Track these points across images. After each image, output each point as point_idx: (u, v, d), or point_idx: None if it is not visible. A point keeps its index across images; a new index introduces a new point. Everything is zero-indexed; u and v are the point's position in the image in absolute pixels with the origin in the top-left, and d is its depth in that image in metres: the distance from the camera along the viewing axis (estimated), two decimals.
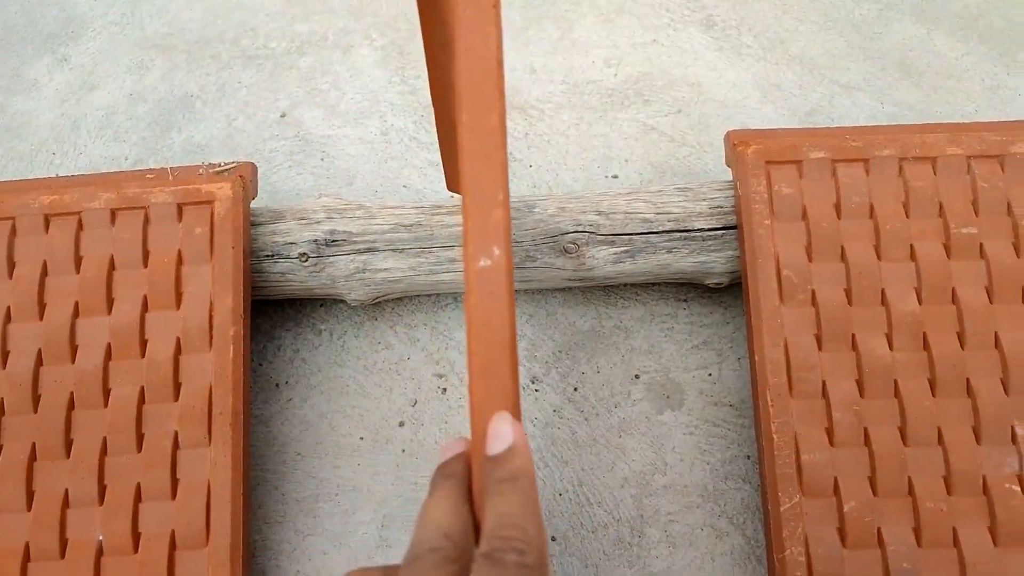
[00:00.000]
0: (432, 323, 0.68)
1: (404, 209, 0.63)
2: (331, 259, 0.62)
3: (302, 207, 0.64)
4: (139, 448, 0.55)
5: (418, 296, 0.69)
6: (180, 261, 0.58)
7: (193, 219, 0.58)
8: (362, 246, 0.62)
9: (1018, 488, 0.52)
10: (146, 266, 0.58)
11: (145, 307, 0.58)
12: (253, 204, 0.64)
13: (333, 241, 0.62)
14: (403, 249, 0.62)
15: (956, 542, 0.52)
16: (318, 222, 0.63)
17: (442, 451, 0.33)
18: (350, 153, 0.78)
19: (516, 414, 0.31)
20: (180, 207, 0.59)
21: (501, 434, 0.30)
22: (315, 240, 0.62)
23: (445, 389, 0.65)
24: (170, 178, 0.61)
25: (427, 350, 0.67)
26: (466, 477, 0.31)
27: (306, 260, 0.62)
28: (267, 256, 0.62)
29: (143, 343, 0.57)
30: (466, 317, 0.32)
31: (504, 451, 0.30)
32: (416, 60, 0.83)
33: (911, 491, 0.53)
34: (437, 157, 0.75)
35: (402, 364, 0.67)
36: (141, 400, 0.56)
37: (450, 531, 0.29)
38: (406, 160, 0.77)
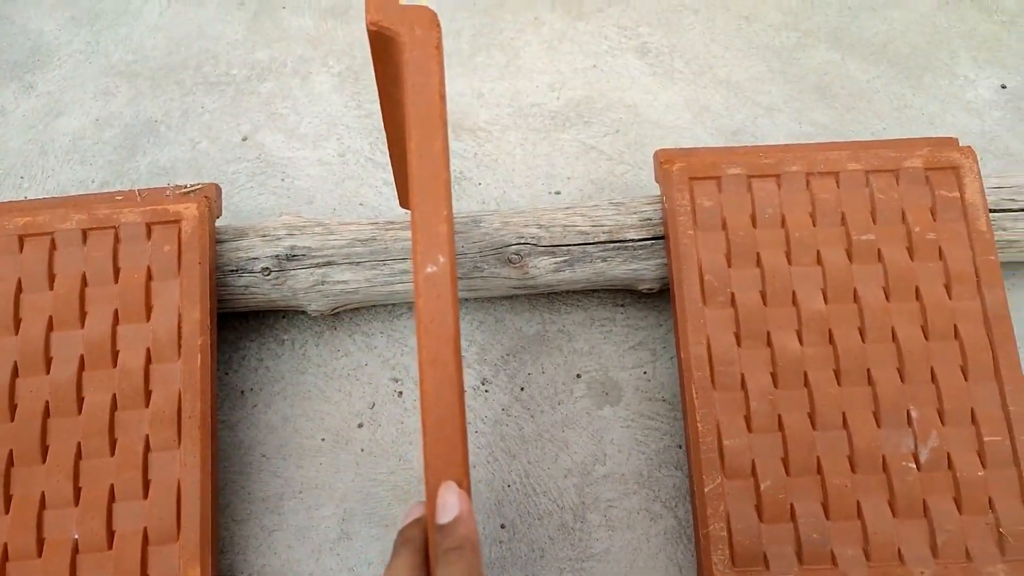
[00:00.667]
0: (388, 331, 0.73)
1: (360, 225, 0.68)
2: (292, 273, 0.67)
3: (264, 225, 0.69)
4: (112, 452, 0.59)
5: (375, 306, 0.74)
6: (149, 277, 0.62)
7: (161, 237, 0.63)
8: (321, 260, 0.67)
9: (913, 465, 0.59)
10: (117, 282, 0.62)
11: (116, 320, 0.62)
12: (218, 223, 0.68)
13: (293, 256, 0.67)
14: (359, 262, 0.67)
15: (860, 514, 0.58)
16: (279, 238, 0.67)
17: (404, 516, 0.36)
18: (309, 174, 0.83)
19: (461, 409, 0.36)
20: (149, 226, 0.63)
21: (448, 505, 0.33)
22: (276, 255, 0.67)
23: (401, 392, 0.70)
24: (139, 199, 0.65)
25: (383, 356, 0.72)
26: (423, 542, 0.35)
27: (268, 274, 0.66)
28: (232, 271, 0.66)
29: (115, 354, 0.61)
30: (416, 316, 0.37)
31: (451, 521, 0.32)
32: (370, 86, 0.88)
33: (820, 470, 0.59)
34: (391, 176, 0.81)
35: (360, 370, 0.71)
36: (114, 407, 0.60)
37: None
38: (362, 180, 0.82)
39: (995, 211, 0.68)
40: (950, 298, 0.62)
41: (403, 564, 0.34)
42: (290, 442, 0.68)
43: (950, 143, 0.68)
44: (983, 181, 0.66)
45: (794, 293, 0.63)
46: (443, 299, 0.37)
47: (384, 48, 0.43)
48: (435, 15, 0.40)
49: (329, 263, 0.67)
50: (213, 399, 0.61)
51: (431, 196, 0.38)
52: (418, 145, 0.39)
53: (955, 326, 0.62)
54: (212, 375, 0.61)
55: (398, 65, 0.42)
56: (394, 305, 0.74)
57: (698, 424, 0.60)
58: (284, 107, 0.87)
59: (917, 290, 0.63)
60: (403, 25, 0.40)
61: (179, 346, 0.61)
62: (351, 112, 0.87)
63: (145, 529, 0.58)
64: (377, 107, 0.85)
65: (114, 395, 0.60)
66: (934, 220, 0.64)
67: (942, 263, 0.63)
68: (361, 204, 0.81)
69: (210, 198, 0.65)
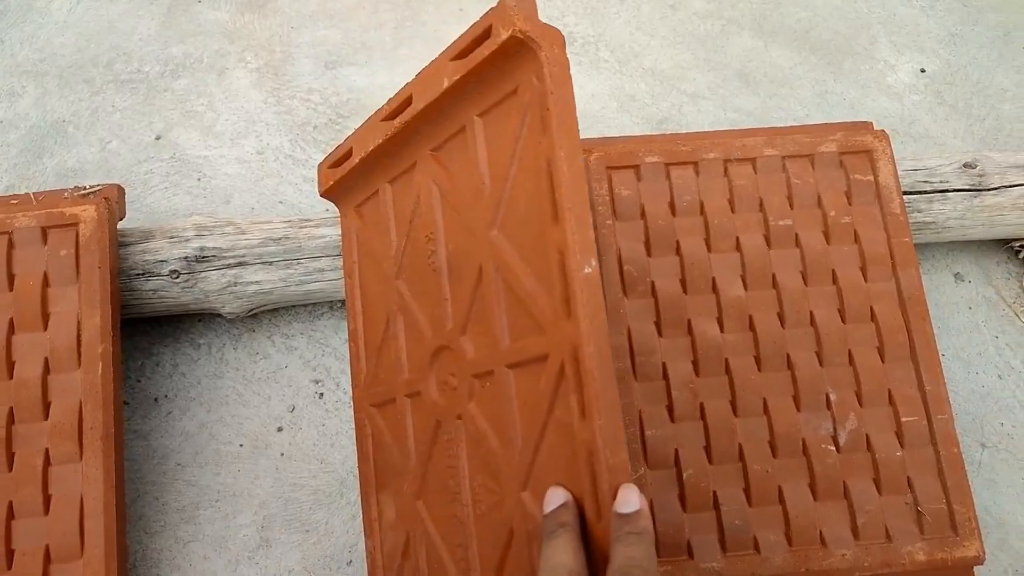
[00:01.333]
0: (309, 332, 0.71)
1: (273, 224, 0.66)
2: (202, 275, 0.64)
3: (172, 226, 0.66)
4: (10, 467, 0.56)
5: (295, 306, 0.72)
6: (46, 283, 0.59)
7: (58, 242, 0.60)
8: (232, 261, 0.65)
9: (833, 448, 0.59)
10: (11, 289, 0.59)
11: (11, 330, 0.59)
12: (125, 225, 0.66)
13: (203, 257, 0.64)
14: (272, 262, 0.65)
15: (781, 499, 0.58)
16: (187, 240, 0.65)
17: (546, 501, 0.39)
18: (227, 172, 0.80)
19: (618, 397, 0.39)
20: (44, 230, 0.60)
21: (631, 501, 0.36)
22: (185, 257, 0.64)
23: (322, 394, 0.68)
24: (34, 203, 0.62)
25: (304, 358, 0.70)
26: (577, 526, 0.37)
27: (177, 277, 0.64)
28: (138, 274, 0.64)
29: (10, 365, 0.58)
30: (576, 311, 0.39)
31: (633, 512, 0.36)
32: (290, 80, 0.86)
33: (741, 456, 0.59)
34: (313, 173, 0.79)
35: (280, 372, 0.69)
36: (10, 420, 0.57)
37: (574, 572, 0.35)
38: (282, 177, 0.80)
39: (910, 193, 0.69)
40: (866, 280, 0.63)
41: (565, 545, 0.36)
42: (206, 449, 0.66)
43: (864, 127, 0.68)
44: (898, 164, 0.66)
45: (714, 280, 0.63)
46: (598, 296, 0.39)
47: (503, 62, 0.43)
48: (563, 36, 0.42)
49: (241, 264, 0.65)
50: (118, 408, 0.58)
51: (580, 203, 0.40)
52: (568, 155, 0.40)
53: (871, 308, 0.62)
54: (116, 383, 0.59)
55: (518, 77, 0.43)
56: (314, 305, 0.72)
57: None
58: (200, 104, 0.84)
59: (834, 273, 0.63)
60: (544, 40, 0.41)
61: (79, 355, 0.58)
62: (270, 108, 0.84)
63: (47, 547, 0.55)
64: (298, 102, 0.83)
65: (10, 408, 0.57)
66: (849, 204, 0.65)
67: (857, 246, 0.63)
68: (281, 202, 0.78)
69: (110, 199, 0.63)
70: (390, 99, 0.53)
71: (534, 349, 0.42)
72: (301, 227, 0.66)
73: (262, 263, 0.65)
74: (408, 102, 0.51)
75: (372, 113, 0.55)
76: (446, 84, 0.46)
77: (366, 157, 0.56)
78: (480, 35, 0.44)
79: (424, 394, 0.52)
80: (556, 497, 0.39)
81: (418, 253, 0.53)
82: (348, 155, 0.58)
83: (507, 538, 0.44)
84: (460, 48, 0.46)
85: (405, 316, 0.55)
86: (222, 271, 0.64)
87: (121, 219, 0.64)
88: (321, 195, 0.62)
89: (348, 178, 0.60)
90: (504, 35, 0.41)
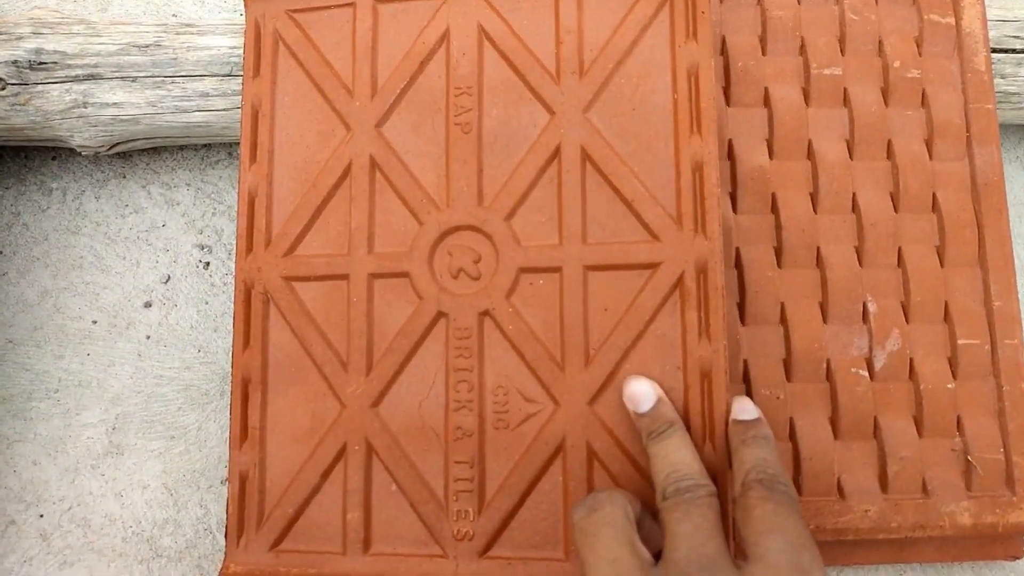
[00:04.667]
0: (198, 182, 0.55)
1: (140, 25, 0.49)
2: (39, 88, 0.47)
3: (1, 19, 0.48)
4: None
5: (182, 148, 0.55)
6: None
7: None
8: (80, 72, 0.47)
9: (865, 373, 0.45)
10: None
11: None
12: None
13: (40, 63, 0.47)
14: (136, 77, 0.48)
15: (792, 434, 0.44)
16: (20, 38, 0.47)
17: (640, 397, 0.38)
18: None
19: None
20: None
21: (749, 408, 0.37)
22: (15, 62, 0.47)
23: (208, 263, 0.53)
24: None
25: (189, 215, 0.54)
26: (683, 424, 0.37)
27: (3, 88, 0.47)
28: None
29: None
30: (711, 227, 0.43)
31: (754, 419, 0.37)
32: None
33: (746, 377, 0.44)
34: None
35: (155, 232, 0.53)
36: None
37: (702, 471, 0.34)
38: None
39: (995, 51, 0.52)
40: (931, 157, 0.47)
41: (680, 442, 0.36)
42: (48, 324, 0.50)
43: None
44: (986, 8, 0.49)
45: (730, 143, 0.47)
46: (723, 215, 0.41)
47: None
48: None
49: (92, 77, 0.47)
50: None
51: (716, 120, 0.41)
52: (712, 67, 0.41)
53: (933, 194, 0.47)
54: None
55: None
56: (207, 147, 0.55)
57: None
58: None
59: (889, 145, 0.47)
60: None
61: None
62: None
63: None
64: None
65: None
66: (919, 53, 0.48)
67: (925, 111, 0.47)
68: (175, 16, 0.60)
69: None
70: None
71: (640, 255, 0.40)
72: (179, 33, 0.48)
73: (121, 78, 0.48)
74: None
75: None
76: None
77: None
78: None
79: (415, 278, 0.42)
80: (644, 393, 0.38)
81: (432, 104, 0.43)
82: None
83: (550, 455, 0.39)
84: None
85: (387, 175, 0.43)
86: (66, 85, 0.47)
87: None
88: None
89: None
90: None
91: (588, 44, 0.42)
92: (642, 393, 0.38)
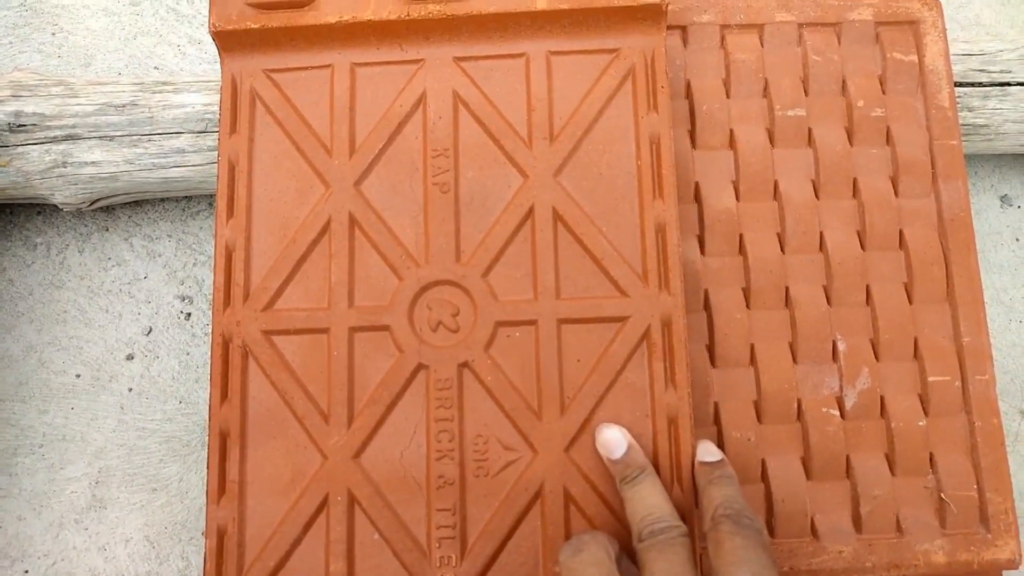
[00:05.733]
0: (179, 234, 0.56)
1: (116, 84, 0.50)
2: (19, 150, 0.48)
3: None
4: None
5: (163, 200, 0.56)
6: None
7: None
8: (59, 133, 0.48)
9: (836, 412, 0.45)
10: None
11: None
12: None
13: (20, 126, 0.48)
14: (113, 136, 0.49)
15: (764, 476, 0.44)
16: (0, 102, 0.48)
17: (613, 444, 0.40)
18: (90, 27, 0.63)
19: None
20: None
21: (713, 451, 0.39)
22: None
23: (189, 314, 0.53)
24: None
25: (170, 267, 0.55)
26: (653, 468, 0.39)
27: None
28: None
29: None
30: (674, 284, 0.42)
31: (718, 460, 0.39)
32: None
33: (716, 419, 0.45)
34: (200, 33, 0.62)
35: (137, 284, 0.54)
36: None
37: (673, 513, 0.37)
38: (161, 36, 0.63)
39: (960, 84, 0.53)
40: (896, 194, 0.47)
41: (652, 487, 0.38)
42: (32, 379, 0.51)
43: None
44: (948, 45, 0.50)
45: (696, 186, 0.47)
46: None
47: (620, 20, 0.44)
48: None
49: (71, 137, 0.49)
50: None
51: (675, 184, 0.44)
52: (671, 136, 0.43)
53: (900, 231, 0.47)
54: None
55: (628, 40, 0.44)
56: (188, 199, 0.56)
57: None
58: None
59: (855, 183, 0.47)
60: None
61: None
62: None
63: None
64: None
65: None
66: (883, 92, 0.49)
67: (889, 148, 0.48)
68: (156, 68, 0.61)
69: None
70: None
71: (610, 309, 0.42)
72: (155, 91, 0.49)
73: (99, 137, 0.49)
74: None
75: None
76: (541, 5, 0.43)
77: (340, 23, 0.44)
78: None
79: (395, 331, 0.43)
80: (616, 441, 0.39)
81: (410, 164, 0.45)
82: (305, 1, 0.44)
83: (529, 500, 0.41)
84: None
85: (366, 232, 0.44)
86: (46, 146, 0.48)
87: None
88: (213, 33, 0.44)
89: (284, 33, 0.44)
90: None
91: (558, 112, 0.44)
92: (614, 440, 0.39)
